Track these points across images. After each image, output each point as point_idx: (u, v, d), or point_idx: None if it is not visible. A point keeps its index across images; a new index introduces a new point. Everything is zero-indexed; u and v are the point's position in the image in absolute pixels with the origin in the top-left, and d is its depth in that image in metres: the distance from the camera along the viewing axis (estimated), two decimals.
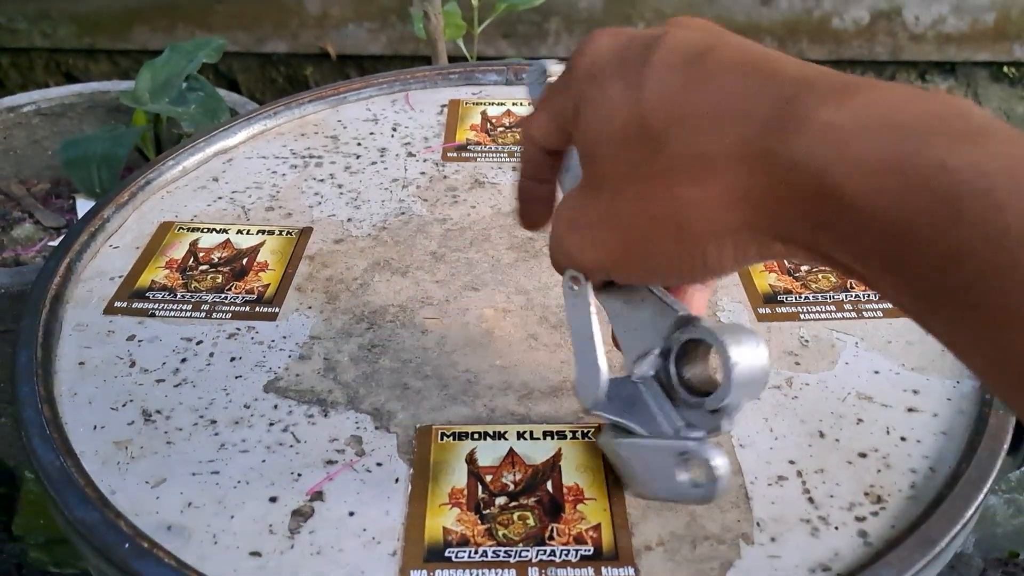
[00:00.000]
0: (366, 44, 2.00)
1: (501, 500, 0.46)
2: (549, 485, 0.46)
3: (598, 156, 0.40)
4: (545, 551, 0.43)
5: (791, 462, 0.47)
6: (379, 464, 0.47)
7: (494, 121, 0.76)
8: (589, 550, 0.43)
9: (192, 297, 0.57)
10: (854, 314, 0.56)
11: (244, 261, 0.60)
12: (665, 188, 0.37)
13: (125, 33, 1.97)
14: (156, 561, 0.42)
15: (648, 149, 0.37)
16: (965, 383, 0.52)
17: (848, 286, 0.58)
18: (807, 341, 0.55)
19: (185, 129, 1.18)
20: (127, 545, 0.42)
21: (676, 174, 0.37)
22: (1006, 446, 0.47)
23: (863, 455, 0.48)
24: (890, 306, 0.56)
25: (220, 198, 0.67)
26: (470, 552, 0.43)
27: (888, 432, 0.49)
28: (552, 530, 0.44)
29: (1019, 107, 2.08)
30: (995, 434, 0.47)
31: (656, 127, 0.37)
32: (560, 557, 0.43)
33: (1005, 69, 2.05)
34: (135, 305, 0.57)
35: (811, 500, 0.45)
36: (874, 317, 0.56)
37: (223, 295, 0.57)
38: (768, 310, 0.57)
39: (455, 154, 0.72)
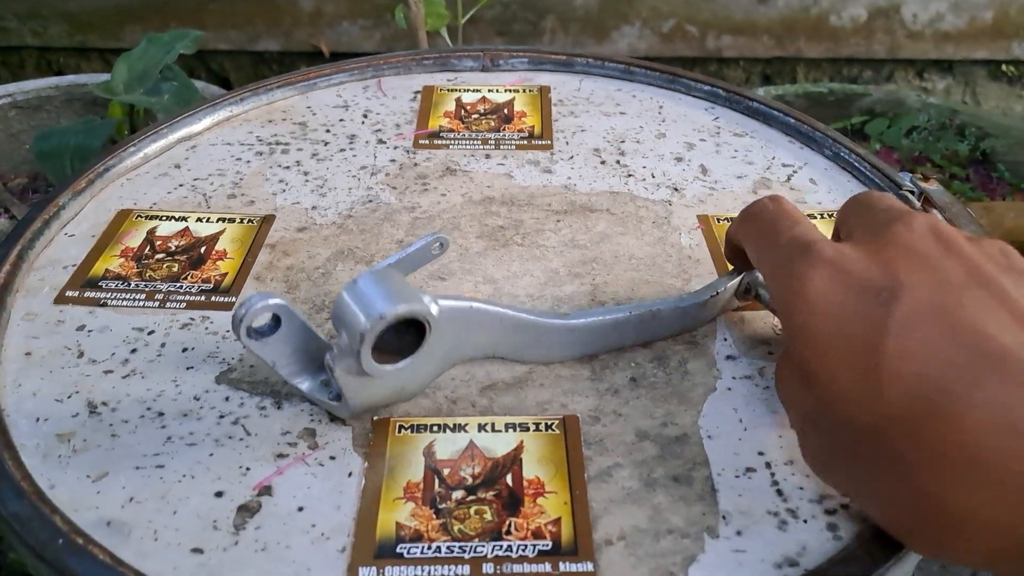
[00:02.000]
0: (360, 42, 1.99)
1: (458, 494, 0.44)
2: (509, 478, 0.44)
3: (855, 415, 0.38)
4: (501, 546, 0.41)
5: (760, 453, 0.45)
6: (332, 458, 0.46)
7: (468, 108, 0.74)
8: (547, 545, 0.41)
9: (146, 286, 0.55)
10: None
11: (202, 249, 0.58)
12: (936, 484, 0.35)
13: (117, 32, 1.96)
14: (91, 558, 0.40)
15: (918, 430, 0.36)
16: None
17: None
18: (781, 331, 0.53)
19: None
20: (61, 541, 0.40)
21: (946, 472, 0.35)
22: None
23: None
24: None
25: (181, 185, 0.65)
26: (423, 548, 0.41)
27: None
28: (510, 524, 0.42)
29: (1017, 105, 2.06)
30: None
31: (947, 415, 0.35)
32: (517, 552, 0.41)
33: (1003, 67, 2.03)
34: (87, 294, 0.55)
35: (780, 492, 0.43)
36: None
37: (178, 284, 0.55)
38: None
39: (427, 141, 0.70)
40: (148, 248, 0.58)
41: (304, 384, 0.47)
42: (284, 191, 0.64)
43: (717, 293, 0.52)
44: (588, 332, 0.51)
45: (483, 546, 0.41)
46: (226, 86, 2.04)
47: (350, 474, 0.45)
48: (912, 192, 0.62)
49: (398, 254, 0.47)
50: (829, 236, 0.44)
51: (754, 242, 0.46)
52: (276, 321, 0.45)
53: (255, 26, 1.96)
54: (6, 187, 1.28)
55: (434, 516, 0.43)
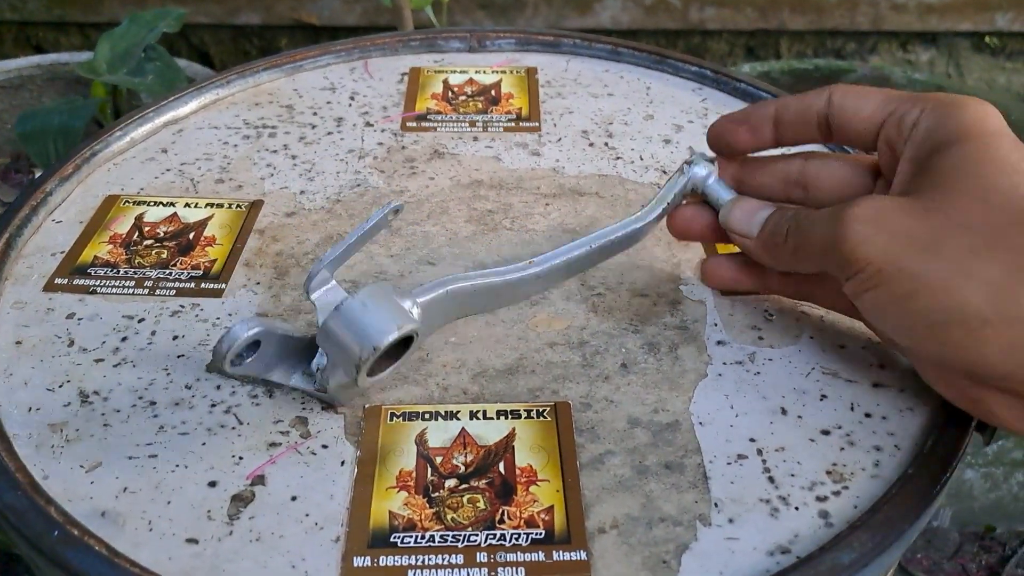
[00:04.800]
0: (342, 15, 1.97)
1: (451, 483, 0.44)
2: (501, 466, 0.45)
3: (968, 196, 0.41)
4: (495, 535, 0.41)
5: (751, 440, 0.46)
6: (325, 446, 0.46)
7: (456, 89, 0.74)
8: (540, 533, 0.41)
9: (135, 273, 0.55)
10: None
11: (191, 235, 0.58)
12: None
13: (96, 6, 1.94)
14: (87, 549, 0.40)
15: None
16: None
17: None
18: (771, 315, 0.53)
19: (144, 100, 1.15)
20: (57, 533, 0.40)
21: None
22: (975, 423, 0.46)
23: (826, 432, 0.46)
24: None
25: (168, 170, 0.64)
26: (416, 537, 0.41)
27: (852, 408, 0.47)
28: (503, 513, 0.42)
29: (1000, 77, 2.06)
30: (963, 411, 0.46)
31: None
32: (510, 541, 0.41)
33: (987, 39, 2.03)
34: (76, 282, 0.54)
35: (771, 479, 0.44)
36: None
37: (168, 271, 0.55)
38: None
39: (415, 124, 0.70)
40: (136, 234, 0.58)
41: (294, 379, 0.47)
42: (272, 175, 0.64)
43: (668, 204, 0.54)
44: (555, 272, 0.54)
45: (476, 535, 0.41)
46: (206, 61, 2.03)
47: (343, 463, 0.45)
48: None
49: (356, 231, 0.46)
50: None
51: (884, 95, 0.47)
52: (257, 343, 0.44)
53: None
54: None
55: (427, 505, 0.43)
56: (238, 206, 0.61)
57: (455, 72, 0.76)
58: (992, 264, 0.38)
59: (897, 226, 0.41)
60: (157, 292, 0.54)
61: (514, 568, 0.40)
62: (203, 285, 0.55)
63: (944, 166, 0.42)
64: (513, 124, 0.70)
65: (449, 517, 0.42)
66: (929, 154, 0.43)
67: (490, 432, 0.46)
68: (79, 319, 0.52)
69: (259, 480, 0.44)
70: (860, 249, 0.41)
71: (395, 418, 0.47)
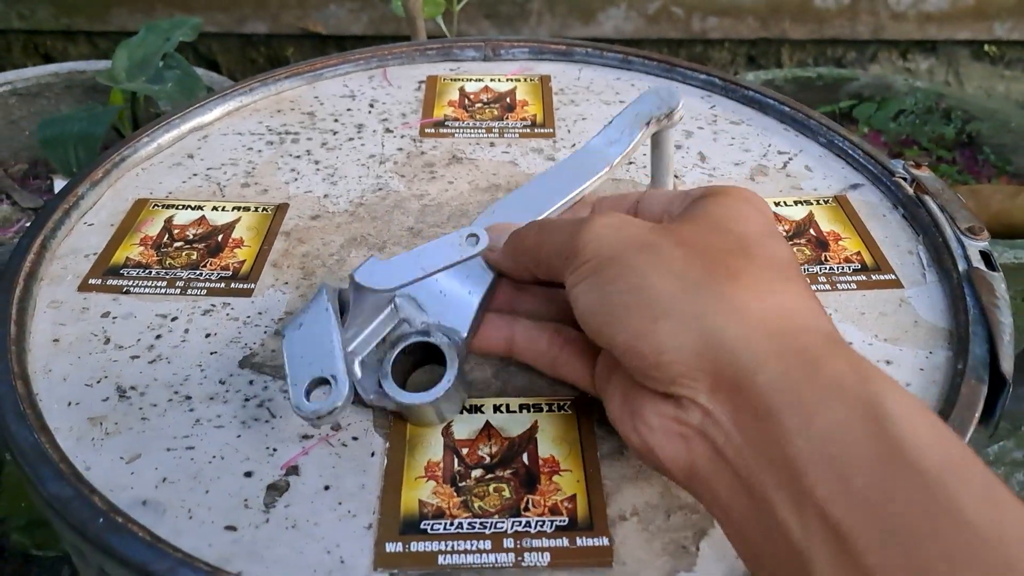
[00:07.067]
0: (348, 24, 1.99)
1: (477, 472, 0.46)
2: (525, 457, 0.46)
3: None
4: (520, 522, 0.43)
5: None
6: (355, 438, 0.47)
7: (472, 97, 0.76)
8: (564, 520, 0.43)
9: (167, 274, 0.57)
10: (828, 286, 0.57)
11: (219, 238, 0.60)
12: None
13: (103, 14, 1.96)
14: (130, 535, 0.42)
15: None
16: (938, 354, 0.52)
17: (822, 259, 0.58)
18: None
19: (162, 108, 1.17)
20: (101, 520, 0.42)
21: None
22: (978, 415, 0.47)
23: None
24: (864, 278, 0.57)
25: (195, 175, 0.66)
26: (445, 524, 0.43)
27: None
28: (528, 501, 0.44)
29: (999, 85, 2.08)
30: (967, 404, 0.47)
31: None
32: (535, 528, 0.43)
33: (986, 47, 2.05)
34: (109, 282, 0.56)
35: None
36: (848, 289, 0.56)
37: (198, 271, 0.57)
38: None
39: (433, 130, 0.72)
40: (167, 236, 0.60)
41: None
42: (296, 180, 0.66)
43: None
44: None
45: (503, 522, 0.43)
46: (214, 69, 2.05)
47: (372, 454, 0.47)
48: (904, 179, 0.65)
49: (432, 261, 0.47)
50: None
51: None
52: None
53: (242, 8, 1.96)
54: (7, 173, 1.29)
55: (455, 494, 0.45)
56: (264, 209, 0.62)
57: (471, 80, 0.78)
58: (693, 266, 0.40)
59: (629, 232, 0.43)
60: (189, 292, 0.56)
61: (540, 553, 0.42)
62: (233, 285, 0.56)
63: (691, 208, 0.45)
64: (528, 130, 0.72)
65: (476, 505, 0.44)
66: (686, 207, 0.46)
67: (513, 425, 0.48)
68: (114, 317, 0.54)
69: (293, 470, 0.46)
70: (590, 245, 0.43)
71: None
